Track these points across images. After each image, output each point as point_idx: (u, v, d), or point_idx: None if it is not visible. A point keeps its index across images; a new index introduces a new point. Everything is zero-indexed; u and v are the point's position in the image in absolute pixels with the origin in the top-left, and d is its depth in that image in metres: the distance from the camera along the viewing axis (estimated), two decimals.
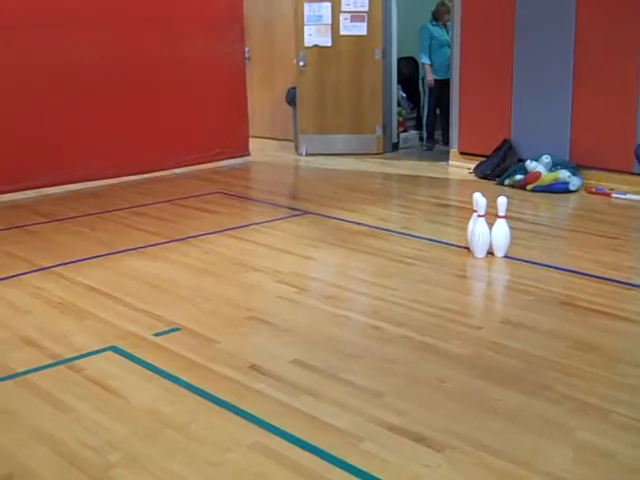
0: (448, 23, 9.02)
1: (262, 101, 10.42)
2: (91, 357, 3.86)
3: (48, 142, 7.53)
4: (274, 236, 5.95)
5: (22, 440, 3.11)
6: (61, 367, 3.76)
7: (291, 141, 9.91)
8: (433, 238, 5.77)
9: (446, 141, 9.07)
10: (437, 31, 9.30)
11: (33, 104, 7.41)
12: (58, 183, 7.70)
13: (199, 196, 7.38)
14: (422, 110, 10.07)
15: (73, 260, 5.41)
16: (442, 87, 9.10)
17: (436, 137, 9.74)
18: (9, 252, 5.66)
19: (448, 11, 8.99)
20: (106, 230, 6.23)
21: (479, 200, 5.22)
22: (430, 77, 9.38)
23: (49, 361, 3.82)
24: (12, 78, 7.27)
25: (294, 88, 9.43)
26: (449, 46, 8.89)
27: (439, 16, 9.35)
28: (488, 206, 5.26)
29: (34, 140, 7.44)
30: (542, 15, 7.64)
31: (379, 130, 9.35)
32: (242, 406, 3.30)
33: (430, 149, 9.61)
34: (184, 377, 3.59)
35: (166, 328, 4.18)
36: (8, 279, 5.06)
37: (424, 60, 9.41)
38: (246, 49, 9.51)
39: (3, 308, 4.57)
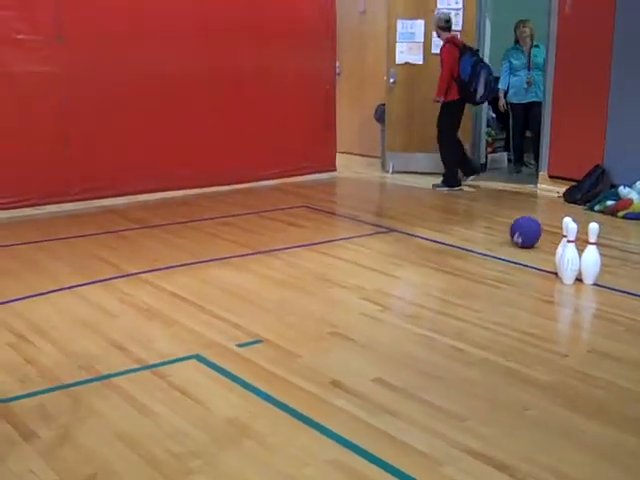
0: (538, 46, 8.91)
1: (350, 117, 10.45)
2: (175, 364, 3.93)
3: (141, 150, 7.73)
4: (359, 252, 5.96)
5: (107, 441, 3.18)
6: (146, 372, 3.84)
7: (378, 158, 9.92)
8: (519, 261, 5.67)
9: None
10: (516, 54, 9.14)
11: (128, 113, 7.63)
12: (150, 190, 7.89)
13: (285, 209, 7.45)
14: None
15: (160, 267, 5.52)
16: (523, 111, 8.98)
17: (526, 160, 9.59)
18: (100, 256, 5.82)
19: (527, 34, 8.88)
20: (193, 239, 6.34)
21: (569, 225, 5.12)
22: (501, 102, 9.29)
23: (135, 365, 3.90)
24: (108, 86, 7.50)
25: (383, 105, 9.45)
26: (540, 69, 8.81)
27: (519, 39, 9.19)
28: (578, 232, 5.15)
29: (128, 148, 7.66)
30: None
31: (467, 150, 9.26)
32: (322, 421, 3.30)
33: (518, 172, 9.47)
34: (265, 389, 3.61)
35: (249, 339, 4.22)
36: (98, 283, 5.19)
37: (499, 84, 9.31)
38: (337, 64, 9.58)
39: (92, 311, 4.70)
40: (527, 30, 8.96)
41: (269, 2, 8.45)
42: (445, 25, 8.30)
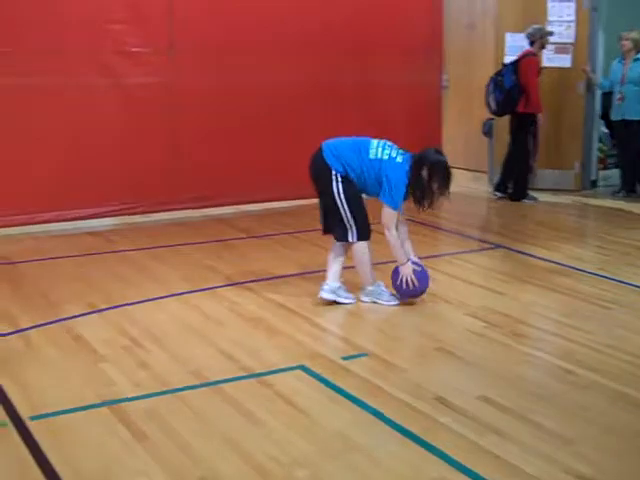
0: None
1: (457, 130, 10.35)
2: (281, 374, 3.97)
3: (247, 160, 7.84)
4: (465, 268, 5.90)
5: (214, 446, 3.25)
6: (252, 380, 3.90)
7: (484, 172, 9.80)
8: (632, 282, 5.49)
9: None
10: (616, 68, 8.75)
11: (235, 123, 7.79)
12: (256, 200, 8.01)
13: None
14: None
15: (267, 277, 5.60)
16: (622, 128, 8.60)
17: None
18: (209, 264, 5.95)
19: (627, 47, 8.53)
20: (299, 250, 6.40)
21: None
22: (587, 70, 8.84)
23: (241, 373, 3.98)
24: (218, 98, 7.68)
25: (491, 119, 9.32)
26: (635, 84, 8.46)
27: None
28: None
29: (235, 157, 7.81)
30: None
31: (577, 166, 9.06)
32: (426, 438, 3.28)
33: (631, 191, 9.12)
34: (370, 402, 3.61)
35: (354, 352, 4.23)
36: (206, 291, 5.31)
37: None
38: (444, 77, 9.52)
39: (201, 318, 4.81)
40: (626, 43, 8.57)
41: (373, 14, 8.43)
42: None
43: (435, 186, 4.77)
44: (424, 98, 9.03)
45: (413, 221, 7.39)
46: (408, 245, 5.06)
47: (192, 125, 7.61)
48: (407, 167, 4.78)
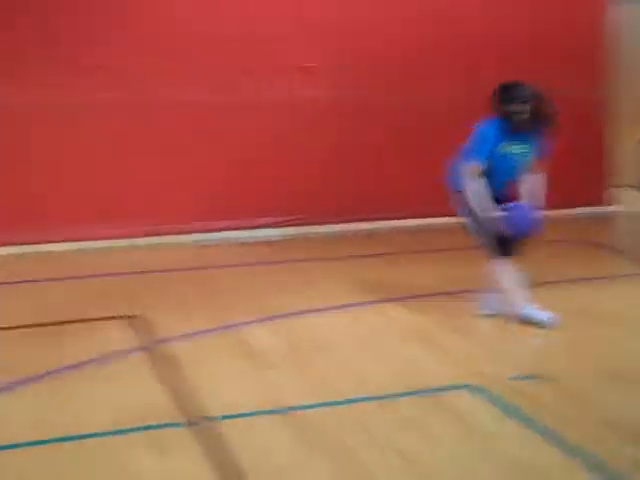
0: None
1: (627, 148, 9.87)
2: (447, 392, 3.92)
3: (416, 174, 7.86)
4: (633, 293, 5.65)
5: (386, 458, 3.22)
6: (419, 397, 3.86)
7: None
8: None
9: None
10: None
11: (401, 139, 7.90)
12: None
13: (550, 242, 7.17)
14: None
15: (429, 293, 5.58)
16: None
17: None
18: (373, 279, 6.02)
19: None
20: (461, 267, 6.20)
21: None
22: None
23: (408, 389, 3.95)
24: (385, 113, 7.85)
25: None
26: None
27: None
28: None
29: (402, 172, 7.90)
30: None
31: None
32: (610, 465, 3.11)
33: None
34: (541, 424, 3.49)
35: (522, 374, 4.13)
36: (371, 304, 5.34)
37: None
38: (609, 92, 9.12)
39: (366, 332, 4.86)
40: None
41: (534, 29, 8.30)
42: None
43: (516, 106, 4.68)
44: (584, 113, 8.67)
45: (583, 241, 7.13)
46: (535, 190, 4.89)
47: (360, 140, 7.77)
48: (490, 119, 4.75)
